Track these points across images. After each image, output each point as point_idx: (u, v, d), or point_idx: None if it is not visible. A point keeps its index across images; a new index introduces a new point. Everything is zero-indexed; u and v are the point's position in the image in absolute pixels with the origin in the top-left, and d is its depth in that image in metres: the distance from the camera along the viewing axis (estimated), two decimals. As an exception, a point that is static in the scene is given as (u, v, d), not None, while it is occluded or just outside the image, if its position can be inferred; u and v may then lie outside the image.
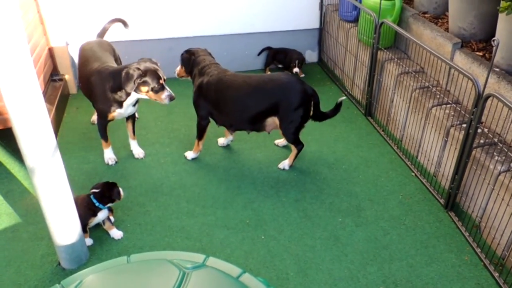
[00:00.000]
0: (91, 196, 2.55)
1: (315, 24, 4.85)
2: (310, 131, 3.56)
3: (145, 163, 3.33)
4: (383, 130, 3.74)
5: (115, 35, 4.30)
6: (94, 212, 2.55)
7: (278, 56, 4.68)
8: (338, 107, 3.24)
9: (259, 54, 4.76)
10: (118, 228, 2.70)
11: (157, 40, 4.47)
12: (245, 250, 2.59)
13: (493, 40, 2.32)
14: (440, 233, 2.72)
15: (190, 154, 3.39)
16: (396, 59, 3.62)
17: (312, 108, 3.13)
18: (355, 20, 4.25)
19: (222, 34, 4.56)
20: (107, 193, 2.57)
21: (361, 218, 2.84)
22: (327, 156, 3.44)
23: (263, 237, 2.69)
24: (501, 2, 2.60)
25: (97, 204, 2.54)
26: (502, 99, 2.29)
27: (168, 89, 2.96)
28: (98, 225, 2.69)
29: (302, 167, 3.32)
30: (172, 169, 3.27)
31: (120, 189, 2.66)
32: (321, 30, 4.86)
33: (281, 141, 3.55)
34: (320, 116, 3.25)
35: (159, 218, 2.81)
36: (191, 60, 3.28)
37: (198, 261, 1.83)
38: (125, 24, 3.72)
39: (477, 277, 2.43)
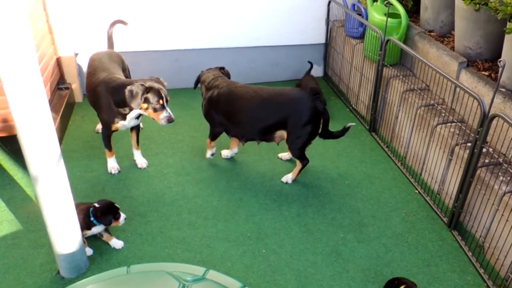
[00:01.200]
0: (91, 210, 2.53)
1: (321, 39, 4.88)
2: (314, 145, 3.54)
3: (148, 173, 3.33)
4: (387, 146, 3.73)
5: (122, 45, 4.35)
6: (88, 226, 2.53)
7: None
8: (345, 130, 3.24)
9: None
10: (118, 238, 2.68)
11: (163, 52, 4.51)
12: (245, 263, 2.57)
13: (500, 61, 2.32)
14: (443, 252, 2.69)
15: (208, 153, 3.48)
16: (401, 76, 3.63)
17: (321, 126, 3.14)
18: (361, 37, 4.27)
19: (227, 47, 4.60)
20: (100, 214, 2.52)
21: (363, 235, 2.82)
22: (330, 171, 3.43)
23: (264, 251, 2.67)
24: (508, 23, 2.62)
25: (91, 218, 2.51)
26: (508, 120, 2.29)
27: (168, 110, 2.91)
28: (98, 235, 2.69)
29: (305, 181, 3.31)
30: (175, 179, 3.27)
31: (122, 216, 2.57)
32: (327, 45, 4.90)
33: (285, 155, 3.55)
34: (326, 134, 3.25)
35: (160, 229, 2.80)
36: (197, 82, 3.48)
37: (198, 274, 1.82)
38: (124, 23, 3.74)
39: (480, 298, 2.40)
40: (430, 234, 2.83)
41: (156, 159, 3.51)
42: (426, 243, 2.75)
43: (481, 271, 2.53)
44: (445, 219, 2.91)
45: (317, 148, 3.65)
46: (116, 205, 2.59)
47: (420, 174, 3.33)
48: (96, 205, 2.55)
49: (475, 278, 2.52)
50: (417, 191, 3.21)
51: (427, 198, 3.11)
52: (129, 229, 2.78)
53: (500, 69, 2.35)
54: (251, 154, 3.60)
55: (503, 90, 2.80)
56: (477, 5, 2.95)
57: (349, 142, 3.80)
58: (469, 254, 2.65)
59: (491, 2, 2.75)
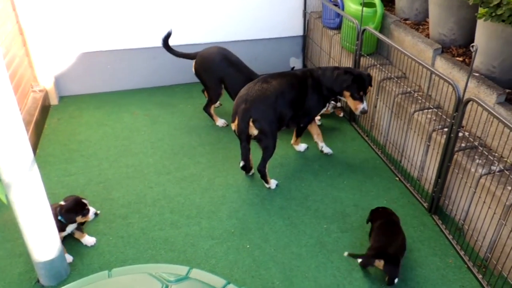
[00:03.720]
0: (58, 209, 2.47)
1: (299, 32, 4.87)
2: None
3: (128, 174, 3.28)
4: (367, 136, 3.75)
5: (98, 44, 4.26)
6: (62, 227, 2.47)
7: None
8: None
9: None
10: (99, 241, 2.64)
11: (140, 49, 4.43)
12: (230, 260, 2.56)
13: (472, 46, 2.35)
14: (425, 237, 2.73)
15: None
16: (378, 65, 3.65)
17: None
18: (338, 27, 4.28)
19: (205, 42, 4.54)
20: (64, 211, 2.45)
21: (347, 224, 2.84)
22: (312, 163, 3.44)
23: (248, 246, 2.66)
24: (479, 8, 2.65)
25: (59, 217, 2.45)
26: (481, 103, 2.32)
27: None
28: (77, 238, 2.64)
29: (287, 174, 3.31)
30: (156, 179, 3.23)
31: (91, 210, 2.53)
32: (305, 37, 4.89)
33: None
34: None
35: (142, 230, 2.76)
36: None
37: (182, 274, 1.80)
38: None
39: (461, 279, 2.44)
40: (411, 219, 2.87)
41: (136, 159, 3.45)
42: (408, 229, 2.78)
43: (462, 253, 2.58)
44: (425, 205, 2.96)
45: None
46: (84, 200, 2.54)
47: (400, 162, 3.37)
48: (62, 203, 2.51)
49: (456, 260, 2.56)
50: (397, 179, 3.25)
51: (408, 185, 3.15)
52: (110, 232, 2.74)
53: (473, 53, 2.38)
54: (232, 150, 3.58)
55: (476, 74, 2.84)
56: (449, -8, 2.98)
57: (330, 133, 3.81)
58: (450, 237, 2.70)
59: (462, -12, 2.77)
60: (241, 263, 2.54)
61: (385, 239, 2.49)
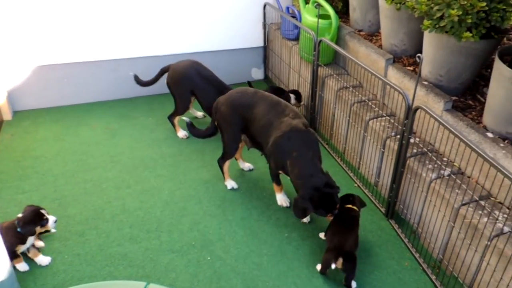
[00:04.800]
0: (16, 222, 2.41)
1: (260, 43, 4.95)
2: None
3: (85, 190, 3.19)
4: (327, 144, 3.84)
5: (54, 57, 4.15)
6: (22, 239, 2.40)
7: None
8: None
9: None
10: (54, 260, 2.55)
11: (100, 62, 4.36)
12: (190, 273, 2.53)
13: (418, 57, 2.47)
14: (382, 241, 2.80)
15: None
16: (335, 75, 3.75)
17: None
18: (297, 39, 4.38)
19: (166, 54, 4.53)
20: (22, 223, 2.41)
21: (307, 232, 2.87)
22: (274, 172, 3.47)
23: (209, 258, 2.64)
24: (424, 20, 2.79)
25: (18, 229, 2.39)
26: (428, 110, 2.43)
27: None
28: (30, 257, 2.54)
29: (249, 184, 3.32)
30: (114, 194, 3.16)
31: (51, 219, 2.51)
32: (266, 48, 4.97)
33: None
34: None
35: (100, 247, 2.69)
36: None
37: (137, 290, 1.77)
38: None
39: (417, 281, 2.52)
40: (370, 225, 2.94)
41: (94, 174, 3.37)
42: (366, 234, 2.86)
43: (417, 255, 2.67)
44: (382, 210, 3.04)
45: (257, 151, 3.67)
46: (42, 210, 2.49)
47: (358, 168, 3.46)
48: (20, 215, 2.44)
49: (412, 263, 2.65)
50: (356, 185, 3.33)
51: (366, 191, 3.24)
52: (65, 250, 2.65)
53: (419, 64, 2.49)
54: (194, 161, 3.56)
55: (426, 83, 2.98)
56: (398, 5, 3.12)
57: (291, 142, 3.86)
58: (406, 240, 2.79)
59: (408, 1, 2.91)
60: (202, 276, 2.52)
61: (340, 237, 2.52)
